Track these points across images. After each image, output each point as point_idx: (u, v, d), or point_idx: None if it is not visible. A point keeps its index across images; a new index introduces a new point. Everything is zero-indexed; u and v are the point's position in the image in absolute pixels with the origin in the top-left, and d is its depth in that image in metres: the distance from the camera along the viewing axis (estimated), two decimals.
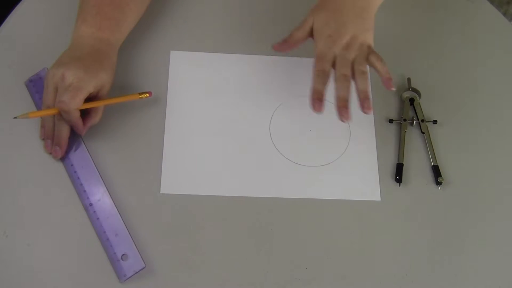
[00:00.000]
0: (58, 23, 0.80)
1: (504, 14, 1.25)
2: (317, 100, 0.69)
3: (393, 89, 0.70)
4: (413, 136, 0.78)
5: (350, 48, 0.71)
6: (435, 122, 0.79)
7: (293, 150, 0.76)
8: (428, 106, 0.80)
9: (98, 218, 0.68)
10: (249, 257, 0.69)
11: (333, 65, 0.72)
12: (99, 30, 0.73)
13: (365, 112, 0.69)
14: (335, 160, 0.76)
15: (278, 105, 0.79)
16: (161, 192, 0.71)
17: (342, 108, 0.68)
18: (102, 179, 0.70)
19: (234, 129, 0.76)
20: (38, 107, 0.74)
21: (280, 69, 0.81)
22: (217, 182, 0.73)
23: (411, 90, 0.81)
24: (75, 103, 0.67)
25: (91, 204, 0.69)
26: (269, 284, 0.68)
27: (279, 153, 0.75)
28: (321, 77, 0.70)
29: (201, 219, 0.70)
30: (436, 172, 0.75)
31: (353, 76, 0.71)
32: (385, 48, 0.78)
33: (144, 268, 0.66)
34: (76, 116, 0.68)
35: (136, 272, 0.66)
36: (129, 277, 0.65)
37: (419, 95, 0.80)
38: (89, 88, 0.68)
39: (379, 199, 0.74)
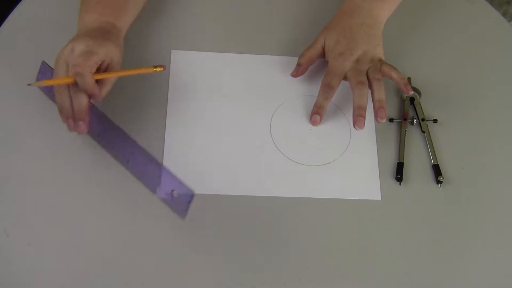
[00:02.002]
0: (58, 23, 0.81)
1: (504, 14, 1.25)
2: (316, 114, 0.76)
3: (412, 92, 0.76)
4: (413, 135, 0.79)
5: (362, 61, 0.75)
6: (435, 121, 0.79)
7: (294, 149, 0.76)
8: (428, 105, 0.80)
9: (139, 171, 0.68)
10: (249, 256, 0.69)
11: (346, 78, 0.76)
12: (103, 16, 0.73)
13: (378, 121, 0.74)
14: (336, 159, 0.76)
15: (279, 104, 0.79)
16: None
17: (359, 117, 0.73)
18: (124, 131, 0.70)
19: (235, 128, 0.76)
20: (53, 100, 0.72)
21: (281, 69, 0.81)
22: (218, 181, 0.73)
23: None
24: (89, 65, 0.66)
25: (128, 161, 0.69)
26: (269, 283, 0.68)
27: (280, 152, 0.75)
28: (325, 91, 0.75)
29: (202, 218, 0.70)
30: (437, 171, 0.75)
31: (369, 84, 0.75)
32: (386, 48, 0.78)
33: (194, 195, 0.65)
34: (91, 80, 0.66)
35: (190, 202, 0.65)
36: (187, 210, 0.65)
37: (419, 94, 0.81)
38: (101, 53, 0.67)
39: (380, 198, 0.74)
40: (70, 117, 0.68)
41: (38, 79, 0.74)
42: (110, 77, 0.70)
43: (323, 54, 0.79)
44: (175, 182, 0.66)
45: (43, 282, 0.65)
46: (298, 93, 0.80)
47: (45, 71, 0.74)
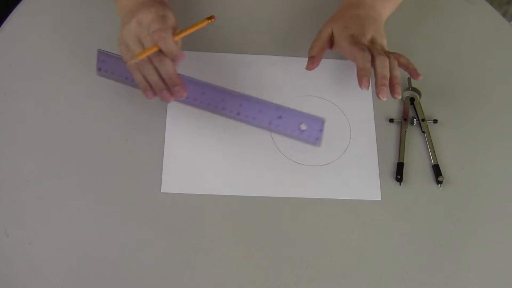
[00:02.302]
0: (58, 23, 0.80)
1: (504, 14, 1.25)
2: (365, 77, 0.70)
3: (421, 78, 0.73)
4: (413, 135, 0.79)
5: (373, 44, 0.73)
6: (435, 121, 0.79)
7: (294, 149, 0.76)
8: (428, 106, 0.80)
9: (254, 118, 0.70)
10: (249, 256, 0.69)
11: None
12: None
13: (394, 97, 0.71)
14: (336, 159, 0.76)
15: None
16: (161, 191, 0.71)
17: (383, 87, 0.70)
18: (223, 88, 0.72)
19: (235, 128, 0.76)
20: (126, 79, 0.73)
21: (281, 69, 0.81)
22: (218, 181, 0.73)
23: (411, 90, 0.81)
24: (168, 27, 0.66)
25: (238, 113, 0.70)
26: (269, 283, 0.68)
27: (280, 152, 0.75)
28: (365, 54, 0.71)
29: (202, 218, 0.70)
30: (437, 171, 0.76)
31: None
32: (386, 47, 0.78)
33: (324, 121, 0.67)
34: (174, 41, 0.66)
35: (322, 130, 0.68)
36: (321, 137, 0.69)
37: (420, 94, 0.81)
38: (171, 16, 0.68)
39: (380, 199, 0.74)
40: (163, 89, 0.68)
41: (99, 68, 0.73)
42: (181, 38, 0.69)
43: (330, 45, 0.78)
44: (300, 116, 0.68)
45: (43, 282, 0.65)
46: (298, 93, 0.80)
47: (105, 57, 0.73)
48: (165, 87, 0.68)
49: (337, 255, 0.70)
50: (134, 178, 0.71)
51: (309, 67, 0.76)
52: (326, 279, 0.69)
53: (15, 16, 0.81)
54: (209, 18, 0.73)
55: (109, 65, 0.73)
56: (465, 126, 0.80)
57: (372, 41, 0.74)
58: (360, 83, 0.70)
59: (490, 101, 0.83)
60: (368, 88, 0.70)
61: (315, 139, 0.69)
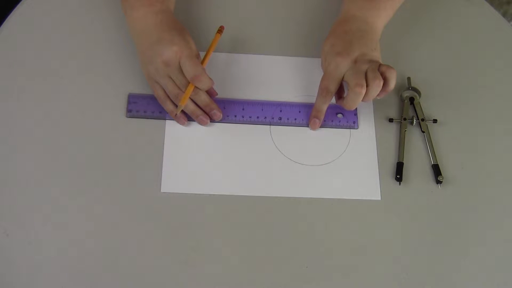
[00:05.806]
0: (58, 23, 0.81)
1: (504, 14, 1.25)
2: (315, 118, 0.76)
3: (384, 94, 0.74)
4: (413, 135, 0.79)
5: (360, 62, 0.72)
6: (435, 121, 0.79)
7: (294, 149, 0.76)
8: (428, 105, 0.80)
9: (295, 119, 0.77)
10: (249, 256, 0.69)
11: (344, 80, 0.74)
12: (152, 6, 0.74)
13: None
14: (335, 159, 0.76)
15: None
16: (161, 191, 0.71)
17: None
18: (259, 100, 0.78)
19: (235, 128, 0.76)
20: (160, 113, 0.76)
21: (281, 68, 0.81)
22: (218, 181, 0.73)
23: (411, 89, 0.81)
24: (200, 67, 0.70)
25: (280, 118, 0.77)
26: (269, 283, 0.68)
27: (280, 152, 0.75)
28: (324, 96, 0.75)
29: (202, 218, 0.70)
30: (436, 170, 0.76)
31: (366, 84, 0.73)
32: (385, 47, 0.78)
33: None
34: (207, 76, 0.71)
35: (356, 114, 0.78)
36: (358, 120, 0.78)
37: (419, 94, 0.81)
38: (194, 48, 0.72)
39: (379, 198, 0.74)
40: (200, 115, 0.74)
41: (128, 110, 0.75)
42: (205, 63, 0.75)
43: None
44: (335, 107, 0.77)
45: (43, 282, 0.65)
46: (298, 92, 0.80)
47: (135, 99, 0.76)
48: (201, 112, 0.74)
49: (337, 255, 0.70)
50: (134, 177, 0.71)
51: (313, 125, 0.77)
52: (326, 279, 0.69)
53: (15, 16, 0.81)
54: (220, 30, 0.75)
55: (140, 105, 0.75)
56: (465, 126, 0.80)
57: (358, 59, 0.72)
58: (309, 121, 0.77)
59: (490, 101, 0.83)
60: (316, 129, 0.77)
61: (352, 124, 0.77)
